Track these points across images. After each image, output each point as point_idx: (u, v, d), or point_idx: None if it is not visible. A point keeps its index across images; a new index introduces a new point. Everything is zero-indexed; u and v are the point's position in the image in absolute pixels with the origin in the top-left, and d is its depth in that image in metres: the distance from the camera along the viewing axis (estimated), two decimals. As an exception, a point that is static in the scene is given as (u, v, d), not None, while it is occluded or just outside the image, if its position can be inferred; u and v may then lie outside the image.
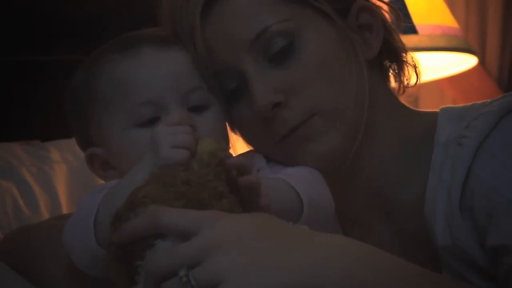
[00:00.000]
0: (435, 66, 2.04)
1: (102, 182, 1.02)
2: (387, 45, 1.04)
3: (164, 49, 0.97)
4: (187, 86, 0.96)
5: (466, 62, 2.07)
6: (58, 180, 1.60)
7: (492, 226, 0.88)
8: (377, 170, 1.03)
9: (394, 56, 1.06)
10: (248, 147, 1.06)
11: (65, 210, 1.55)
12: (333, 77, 0.98)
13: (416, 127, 1.03)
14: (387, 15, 1.05)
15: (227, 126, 1.03)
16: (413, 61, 1.07)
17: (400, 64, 1.06)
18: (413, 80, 1.08)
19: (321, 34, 0.98)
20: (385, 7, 1.05)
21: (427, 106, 2.28)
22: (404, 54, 1.06)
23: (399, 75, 1.06)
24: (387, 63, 1.06)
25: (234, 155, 0.95)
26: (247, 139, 1.05)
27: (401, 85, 1.07)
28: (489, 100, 0.98)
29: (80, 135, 1.02)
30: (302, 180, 0.93)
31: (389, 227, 1.04)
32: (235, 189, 0.86)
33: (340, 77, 0.98)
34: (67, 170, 1.62)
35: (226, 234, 0.78)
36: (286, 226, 0.82)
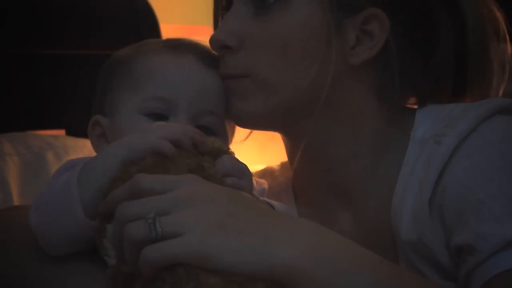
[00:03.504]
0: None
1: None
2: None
3: (206, 65, 1.01)
4: (205, 106, 0.99)
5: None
6: (10, 172, 1.59)
7: (460, 225, 0.89)
8: (347, 161, 1.03)
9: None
10: None
11: (16, 202, 1.54)
12: (289, 57, 0.98)
13: (393, 123, 1.04)
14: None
15: None
16: None
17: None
18: None
19: (307, 14, 0.99)
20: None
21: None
22: None
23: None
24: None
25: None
26: None
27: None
28: (472, 102, 1.00)
29: (98, 101, 1.04)
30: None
31: (352, 217, 1.05)
32: None
33: (296, 61, 0.98)
34: (20, 163, 1.61)
35: (202, 193, 0.79)
36: (260, 203, 0.85)
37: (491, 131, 0.93)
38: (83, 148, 1.65)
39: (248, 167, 0.96)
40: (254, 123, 1.03)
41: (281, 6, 0.98)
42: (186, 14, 2.43)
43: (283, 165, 1.16)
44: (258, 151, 1.60)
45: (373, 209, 1.03)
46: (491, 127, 0.93)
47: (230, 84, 1.00)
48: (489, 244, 0.86)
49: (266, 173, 1.17)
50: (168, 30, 1.85)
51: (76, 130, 1.75)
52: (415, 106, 1.05)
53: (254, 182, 1.00)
